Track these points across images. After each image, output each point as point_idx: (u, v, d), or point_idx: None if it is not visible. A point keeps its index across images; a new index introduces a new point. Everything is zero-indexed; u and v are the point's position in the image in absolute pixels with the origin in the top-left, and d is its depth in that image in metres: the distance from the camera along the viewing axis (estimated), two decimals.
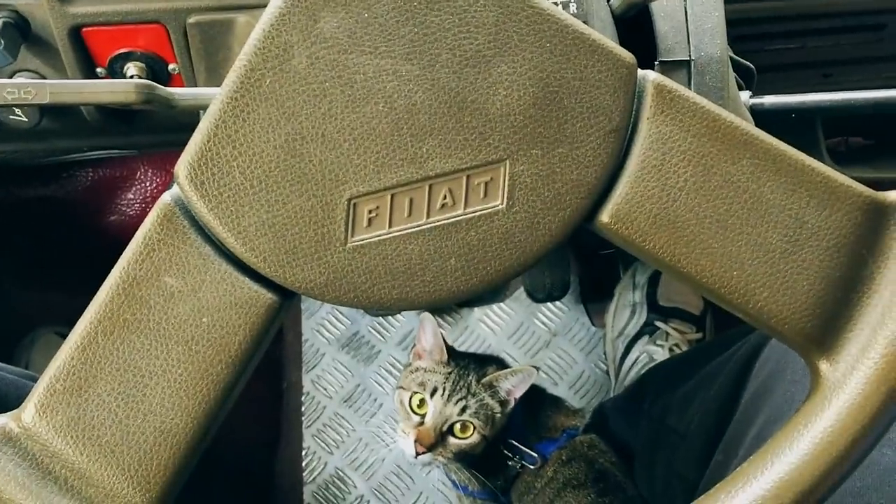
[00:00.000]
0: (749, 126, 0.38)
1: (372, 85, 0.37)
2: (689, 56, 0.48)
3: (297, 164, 0.37)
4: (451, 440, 0.91)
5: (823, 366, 0.38)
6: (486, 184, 0.38)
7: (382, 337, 1.36)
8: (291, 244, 0.37)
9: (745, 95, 0.54)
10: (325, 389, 1.32)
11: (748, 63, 0.56)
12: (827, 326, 0.38)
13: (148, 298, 0.37)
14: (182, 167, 0.37)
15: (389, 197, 0.38)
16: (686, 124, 0.38)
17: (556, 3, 0.47)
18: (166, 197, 0.38)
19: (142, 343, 0.37)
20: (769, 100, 0.53)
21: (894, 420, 0.37)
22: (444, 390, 0.91)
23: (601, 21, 0.47)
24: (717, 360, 0.74)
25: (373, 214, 0.38)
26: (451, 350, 0.96)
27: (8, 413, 0.37)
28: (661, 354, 1.11)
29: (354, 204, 0.38)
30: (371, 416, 1.30)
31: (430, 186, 0.38)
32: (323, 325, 1.36)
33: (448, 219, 0.38)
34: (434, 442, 0.89)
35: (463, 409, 0.90)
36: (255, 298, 0.38)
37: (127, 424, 0.37)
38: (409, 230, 0.38)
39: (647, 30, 0.50)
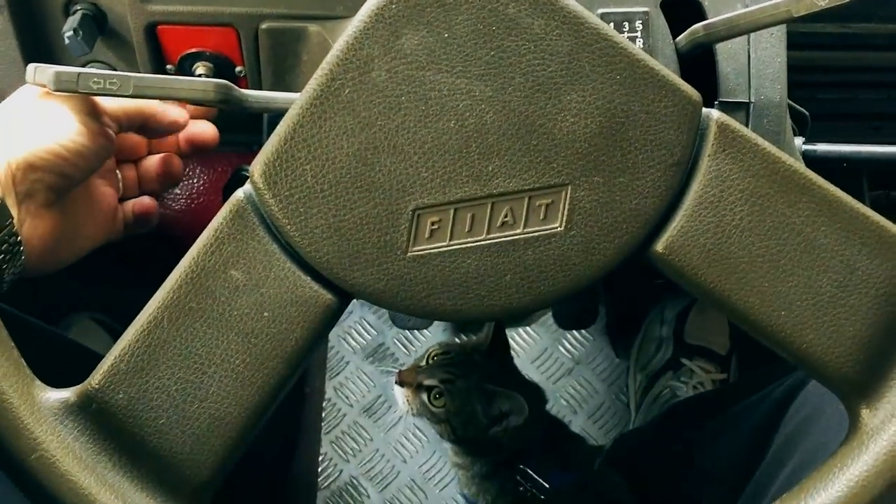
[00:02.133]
0: (807, 171, 0.39)
1: (446, 102, 0.39)
2: (749, 98, 0.49)
3: (367, 172, 0.39)
4: (423, 397, 0.94)
5: (863, 411, 0.38)
6: (547, 206, 0.39)
7: (407, 350, 1.37)
8: (354, 248, 0.39)
9: (798, 141, 0.55)
10: (347, 398, 1.33)
11: (803, 110, 0.56)
12: (869, 373, 0.38)
13: (214, 289, 0.39)
14: (258, 166, 0.39)
15: (452, 211, 0.39)
16: (746, 164, 0.39)
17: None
18: (239, 193, 0.40)
19: (204, 332, 0.39)
20: (822, 147, 0.54)
21: None
22: (451, 358, 0.94)
23: (665, 57, 0.48)
24: (748, 400, 0.74)
25: (435, 227, 0.39)
26: (501, 348, 0.97)
27: (71, 388, 0.39)
28: (684, 392, 1.11)
29: (419, 215, 0.39)
30: (390, 427, 1.31)
31: (493, 204, 0.39)
32: (349, 334, 1.38)
33: (507, 236, 0.39)
34: (410, 383, 0.95)
35: (449, 382, 0.92)
36: (315, 298, 0.39)
37: (184, 409, 0.38)
38: (469, 245, 0.39)
39: (707, 69, 0.51)
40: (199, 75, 0.63)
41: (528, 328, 1.41)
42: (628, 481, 0.95)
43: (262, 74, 0.62)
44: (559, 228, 0.39)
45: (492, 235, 0.39)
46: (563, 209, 0.39)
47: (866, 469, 0.37)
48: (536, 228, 0.39)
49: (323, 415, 1.31)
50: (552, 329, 1.39)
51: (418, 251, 0.39)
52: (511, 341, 1.39)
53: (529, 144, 0.39)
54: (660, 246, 0.40)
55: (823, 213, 0.39)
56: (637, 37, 0.48)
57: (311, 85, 0.39)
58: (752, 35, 0.49)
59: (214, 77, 0.65)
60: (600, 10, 0.48)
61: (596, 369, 1.37)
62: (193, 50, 0.64)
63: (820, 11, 0.44)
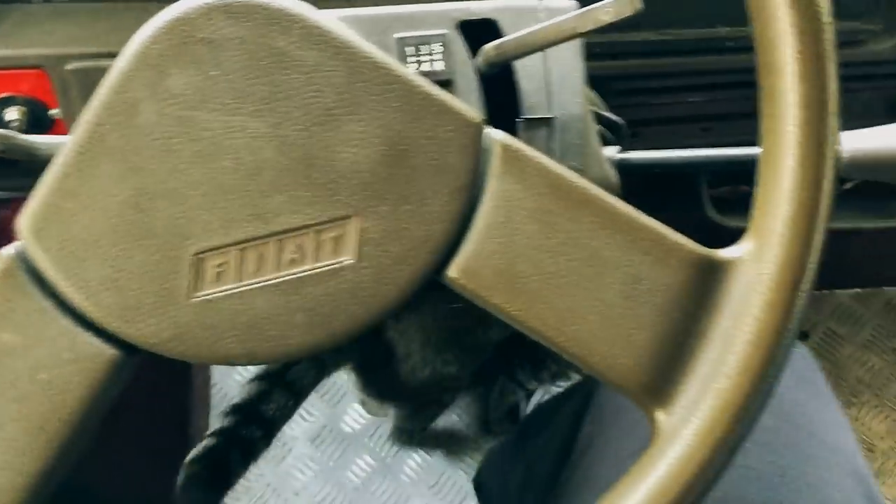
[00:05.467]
0: (590, 185, 0.40)
1: (220, 141, 0.38)
2: (551, 114, 0.49)
3: (143, 219, 0.37)
4: None
5: (660, 416, 0.39)
6: (335, 239, 0.39)
7: None
8: (135, 299, 0.37)
9: (612, 150, 0.56)
10: None
11: (617, 118, 0.58)
12: (663, 379, 0.39)
13: None
14: (24, 220, 0.37)
15: (237, 252, 0.38)
16: (530, 183, 0.39)
17: (421, 62, 0.48)
18: (9, 249, 0.38)
19: None
20: (635, 155, 0.55)
21: (723, 470, 0.38)
22: None
23: (466, 78, 0.48)
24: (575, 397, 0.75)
25: (220, 269, 0.38)
26: None
27: None
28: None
29: (201, 259, 0.38)
30: (281, 460, 1.28)
31: (279, 241, 0.38)
32: (233, 369, 1.35)
33: (297, 273, 0.38)
34: None
35: None
36: (96, 354, 0.37)
37: None
38: (257, 285, 0.38)
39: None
40: (9, 121, 0.61)
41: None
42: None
43: (77, 115, 0.60)
44: (350, 261, 0.39)
45: (281, 273, 0.38)
46: (352, 241, 0.39)
47: (664, 475, 0.37)
48: (326, 262, 0.39)
49: None
50: None
51: (203, 296, 0.38)
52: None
53: (311, 178, 0.38)
54: (453, 271, 0.39)
55: (606, 226, 0.39)
56: (436, 59, 0.48)
57: (76, 132, 0.37)
58: (550, 51, 0.50)
59: (29, 121, 0.62)
60: (396, 35, 0.48)
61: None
62: (4, 95, 0.61)
63: (617, 22, 0.45)
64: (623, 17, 0.44)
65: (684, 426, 0.38)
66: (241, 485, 1.25)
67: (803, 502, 0.51)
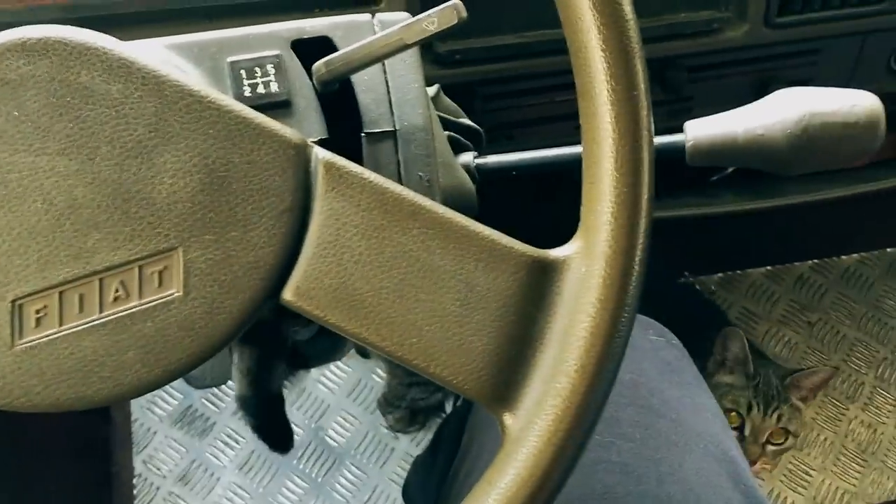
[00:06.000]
0: (418, 197, 0.40)
1: (28, 183, 0.37)
2: (394, 126, 0.49)
3: None
4: (770, 448, 1.03)
5: (508, 419, 0.39)
6: (161, 273, 0.38)
7: (217, 408, 1.33)
8: None
9: (469, 156, 0.56)
10: (159, 469, 1.27)
11: (474, 125, 0.58)
12: (506, 383, 0.39)
13: None
14: None
15: (57, 295, 0.37)
16: (356, 199, 0.39)
17: (256, 84, 0.47)
18: None
19: None
20: (492, 159, 0.56)
21: (572, 467, 0.38)
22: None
23: (305, 98, 0.48)
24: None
25: (41, 314, 0.37)
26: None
27: None
28: None
29: (19, 305, 0.37)
30: (209, 491, 1.26)
31: (101, 280, 0.37)
32: (154, 402, 1.32)
33: (123, 311, 0.38)
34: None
35: (779, 418, 1.01)
36: None
37: None
38: (82, 327, 0.37)
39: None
40: None
41: (339, 363, 1.39)
42: None
43: None
44: (177, 294, 0.38)
45: (105, 313, 0.38)
46: (178, 273, 0.38)
47: (512, 479, 0.37)
48: (153, 297, 0.38)
49: (135, 492, 1.25)
50: (362, 360, 1.38)
51: (26, 343, 0.37)
52: (324, 378, 1.37)
53: (129, 213, 0.37)
54: (287, 293, 0.39)
55: (436, 235, 0.39)
56: (271, 81, 0.48)
57: None
58: (388, 64, 0.49)
59: None
60: (229, 59, 0.47)
61: None
62: None
63: (447, 30, 0.45)
64: (449, 26, 0.44)
65: (529, 428, 0.38)
66: None
67: (667, 489, 0.52)
